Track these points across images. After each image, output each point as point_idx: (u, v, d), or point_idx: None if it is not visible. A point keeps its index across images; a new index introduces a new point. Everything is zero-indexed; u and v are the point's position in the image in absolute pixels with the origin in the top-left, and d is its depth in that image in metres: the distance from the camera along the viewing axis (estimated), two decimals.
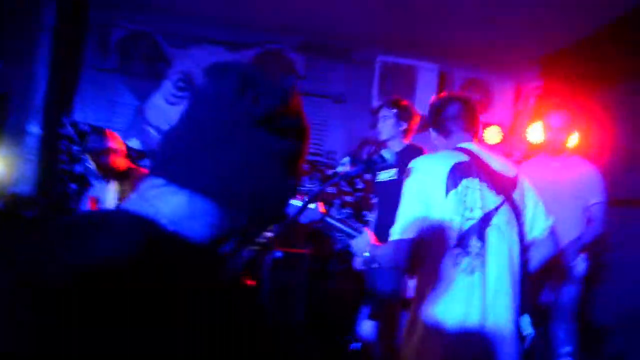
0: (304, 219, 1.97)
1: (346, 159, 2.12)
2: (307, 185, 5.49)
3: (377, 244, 2.13)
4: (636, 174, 4.16)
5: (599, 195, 3.39)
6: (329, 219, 2.06)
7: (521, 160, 5.06)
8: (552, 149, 3.47)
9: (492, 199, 2.04)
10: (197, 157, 0.79)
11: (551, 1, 4.39)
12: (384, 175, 3.56)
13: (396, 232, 2.01)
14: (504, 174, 2.15)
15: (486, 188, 2.05)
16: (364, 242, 2.13)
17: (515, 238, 2.06)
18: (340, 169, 2.23)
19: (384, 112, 3.61)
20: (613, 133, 4.40)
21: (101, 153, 3.35)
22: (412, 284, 3.18)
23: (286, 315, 4.06)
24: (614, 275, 3.99)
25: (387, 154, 1.97)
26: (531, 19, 4.75)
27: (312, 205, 2.01)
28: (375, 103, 5.72)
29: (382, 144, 3.67)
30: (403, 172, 3.54)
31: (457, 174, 2.03)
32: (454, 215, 1.98)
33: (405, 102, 3.65)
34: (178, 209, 0.77)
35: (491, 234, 1.99)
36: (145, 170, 3.48)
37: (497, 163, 2.17)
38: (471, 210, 1.99)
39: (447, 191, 2.00)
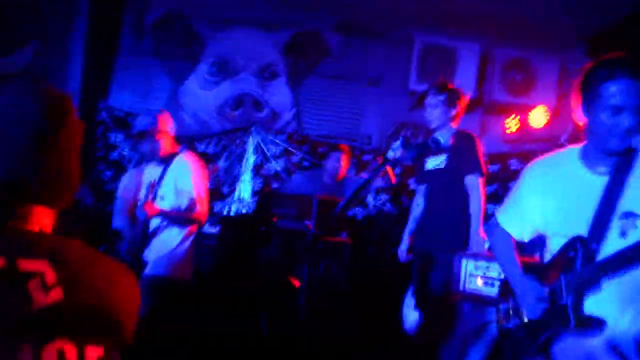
0: None
1: (397, 144, 1.93)
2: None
3: None
4: None
5: None
6: None
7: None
8: None
9: None
10: None
11: None
12: (433, 163, 3.40)
13: None
14: None
15: None
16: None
17: None
18: (390, 154, 2.05)
19: (432, 99, 3.35)
20: None
21: (149, 134, 3.26)
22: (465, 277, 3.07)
23: (328, 303, 3.99)
24: None
25: (442, 137, 1.77)
26: None
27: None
28: (413, 85, 5.55)
29: (431, 132, 3.51)
30: (453, 160, 3.41)
31: None
32: None
33: (452, 86, 3.45)
34: None
35: None
36: (192, 154, 3.41)
37: None
38: None
39: None
